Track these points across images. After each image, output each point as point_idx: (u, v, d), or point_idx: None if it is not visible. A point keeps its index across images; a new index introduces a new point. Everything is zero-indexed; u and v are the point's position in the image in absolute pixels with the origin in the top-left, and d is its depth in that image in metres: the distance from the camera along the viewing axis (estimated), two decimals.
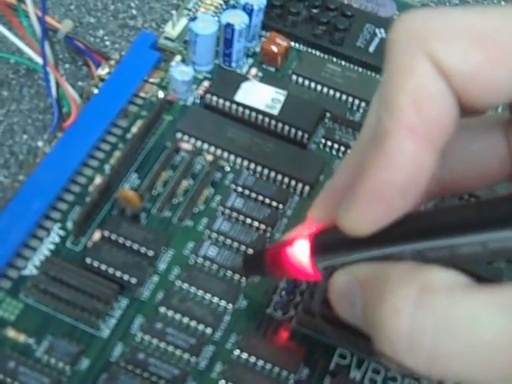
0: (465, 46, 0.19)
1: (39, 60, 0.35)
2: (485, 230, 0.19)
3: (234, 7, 0.38)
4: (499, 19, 0.19)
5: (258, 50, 0.38)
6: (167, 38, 0.38)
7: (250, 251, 0.30)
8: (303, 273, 0.24)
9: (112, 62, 0.36)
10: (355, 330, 0.22)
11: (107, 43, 0.40)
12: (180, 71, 0.35)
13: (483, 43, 0.19)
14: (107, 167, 0.33)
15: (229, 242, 0.31)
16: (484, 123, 0.23)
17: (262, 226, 0.31)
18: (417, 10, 0.20)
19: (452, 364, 0.18)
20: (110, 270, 0.29)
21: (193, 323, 0.29)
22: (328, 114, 0.36)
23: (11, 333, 0.28)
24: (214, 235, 0.31)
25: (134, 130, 0.34)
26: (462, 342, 0.18)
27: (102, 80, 0.35)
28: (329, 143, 0.35)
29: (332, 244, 0.23)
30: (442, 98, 0.19)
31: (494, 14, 0.19)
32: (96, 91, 0.35)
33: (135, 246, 0.30)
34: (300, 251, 0.24)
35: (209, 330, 0.29)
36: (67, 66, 0.39)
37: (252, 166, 0.33)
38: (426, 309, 0.19)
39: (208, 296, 0.29)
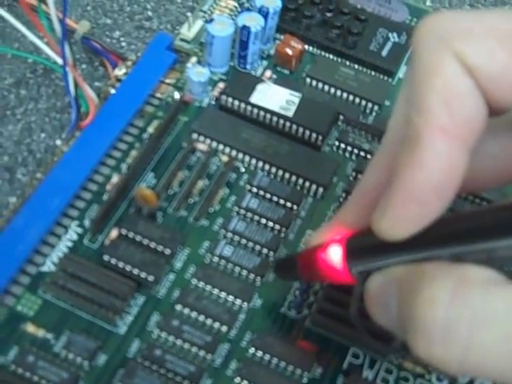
0: (491, 45, 0.19)
1: (57, 59, 0.36)
2: None
3: (248, 10, 0.39)
4: None
5: (272, 52, 0.38)
6: (183, 40, 0.38)
7: (265, 251, 0.31)
8: (337, 277, 0.25)
9: (129, 63, 0.37)
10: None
11: (123, 44, 0.40)
12: (196, 72, 0.35)
13: (508, 43, 0.19)
14: (124, 166, 0.33)
15: (244, 241, 0.31)
16: (502, 123, 0.23)
17: (277, 227, 0.32)
18: (441, 11, 0.20)
19: (486, 356, 0.18)
20: (128, 268, 0.30)
21: (208, 321, 0.29)
22: (341, 117, 0.36)
23: (30, 328, 0.28)
24: (229, 235, 0.31)
25: (151, 129, 0.34)
26: (497, 333, 0.18)
27: (118, 80, 0.36)
28: (342, 145, 0.35)
29: (367, 248, 0.23)
30: (471, 97, 0.19)
31: None
32: (113, 91, 0.35)
33: (152, 245, 0.30)
34: (333, 256, 0.24)
35: (224, 328, 0.29)
36: (84, 66, 0.39)
37: (266, 167, 0.34)
38: (462, 300, 0.19)
39: (223, 294, 0.30)
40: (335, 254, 0.24)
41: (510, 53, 0.19)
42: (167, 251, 0.30)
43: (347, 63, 0.39)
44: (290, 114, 0.35)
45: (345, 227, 0.25)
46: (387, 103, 0.37)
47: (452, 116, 0.19)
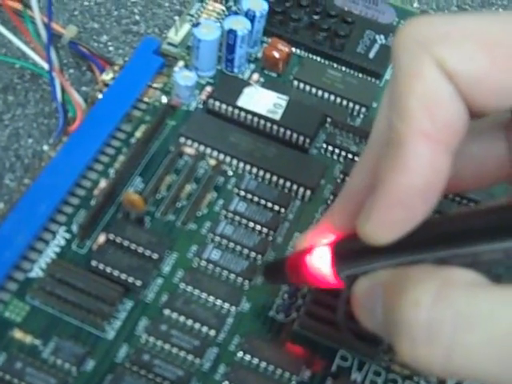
0: (471, 50, 0.19)
1: (44, 65, 0.36)
2: (509, 237, 0.19)
3: (236, 13, 0.39)
4: (504, 24, 0.19)
5: (259, 55, 0.39)
6: (170, 44, 0.38)
7: (253, 254, 0.31)
8: (324, 281, 0.25)
9: (116, 68, 0.37)
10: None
11: (111, 49, 0.40)
12: (183, 76, 0.35)
13: (489, 47, 0.19)
14: (112, 171, 0.33)
15: (232, 245, 0.31)
16: (484, 124, 0.23)
17: (264, 230, 0.32)
18: (421, 15, 0.20)
19: (469, 357, 0.18)
20: (115, 273, 0.30)
21: (197, 325, 0.29)
22: (329, 119, 0.36)
23: (18, 334, 0.28)
24: (217, 238, 0.31)
25: (138, 134, 0.34)
26: (480, 335, 0.18)
27: (106, 85, 0.36)
28: (330, 148, 0.35)
29: (353, 253, 0.24)
30: (452, 101, 0.20)
31: (499, 19, 0.20)
32: (100, 96, 0.35)
33: (140, 249, 0.30)
34: (320, 260, 0.24)
35: (212, 332, 0.29)
36: (71, 71, 0.39)
37: (254, 170, 0.34)
38: (446, 301, 0.19)
39: (211, 298, 0.30)
40: (322, 258, 0.24)
41: (490, 57, 0.19)
42: (155, 256, 0.30)
43: (334, 65, 0.39)
44: (278, 117, 0.35)
45: (331, 230, 0.25)
46: (375, 105, 0.37)
47: (433, 121, 0.20)
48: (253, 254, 0.31)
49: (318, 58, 0.39)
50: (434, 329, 0.19)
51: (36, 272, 0.30)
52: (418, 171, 0.20)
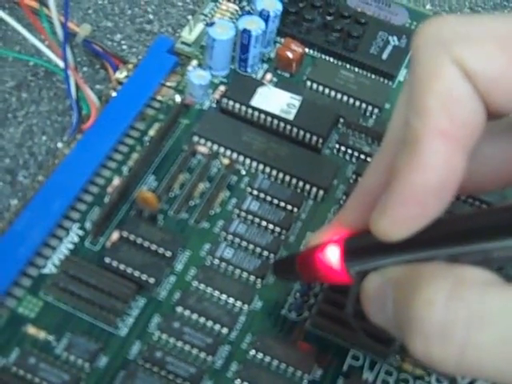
0: (489, 49, 0.19)
1: (58, 62, 0.36)
2: None
3: (249, 13, 0.39)
4: None
5: (273, 55, 0.39)
6: (184, 43, 0.38)
7: (265, 253, 0.31)
8: (335, 277, 0.25)
9: (130, 66, 0.37)
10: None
11: (124, 47, 0.41)
12: (197, 75, 0.35)
13: (507, 47, 0.19)
14: (125, 169, 0.33)
15: (244, 243, 0.31)
16: (500, 126, 0.23)
17: (277, 229, 0.32)
18: (440, 16, 0.21)
19: (482, 356, 0.19)
20: (129, 270, 0.30)
21: (209, 323, 0.29)
22: (341, 120, 0.36)
23: (32, 330, 0.28)
24: (230, 237, 0.31)
25: (152, 132, 0.35)
26: (493, 334, 0.18)
27: (120, 83, 0.36)
28: (342, 148, 0.35)
29: (364, 249, 0.24)
30: (470, 100, 0.20)
31: None
32: (114, 94, 0.35)
33: (153, 247, 0.30)
34: (331, 256, 0.24)
35: (225, 330, 0.29)
36: (85, 69, 0.39)
37: (267, 169, 0.34)
38: (460, 300, 0.19)
39: (224, 297, 0.30)
40: (333, 254, 0.25)
41: (508, 57, 0.19)
42: (168, 253, 0.30)
43: (347, 66, 0.39)
44: (291, 116, 0.35)
45: (344, 228, 0.25)
46: (387, 106, 0.37)
47: (451, 119, 0.20)
48: (265, 253, 0.31)
49: (331, 59, 0.39)
50: (448, 328, 0.19)
51: (49, 268, 0.30)
52: (433, 168, 0.20)
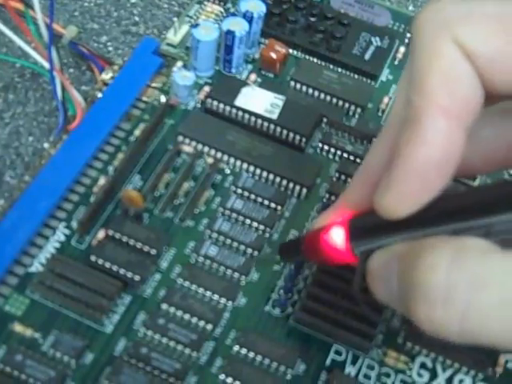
0: (487, 30, 0.20)
1: (44, 64, 0.36)
2: None
3: (234, 15, 0.39)
4: None
5: (257, 56, 0.39)
6: (169, 44, 0.39)
7: (249, 251, 0.31)
8: (340, 258, 0.25)
9: (115, 67, 0.37)
10: None
11: (110, 49, 0.41)
12: (182, 76, 0.36)
13: (504, 27, 0.20)
14: (111, 169, 0.34)
15: (228, 241, 0.32)
16: (496, 108, 0.24)
17: (261, 227, 0.32)
18: None
19: (484, 318, 0.19)
20: (114, 268, 0.30)
21: (194, 319, 0.30)
22: (325, 119, 0.37)
23: (18, 327, 0.29)
24: (215, 235, 0.32)
25: (137, 132, 0.35)
26: (494, 297, 0.19)
27: (105, 84, 0.36)
28: (325, 147, 0.36)
29: (368, 228, 0.24)
30: (469, 79, 0.20)
31: None
32: (100, 95, 0.36)
33: (138, 245, 0.31)
34: (336, 237, 0.25)
35: (209, 327, 0.29)
36: (71, 70, 0.40)
37: (251, 168, 0.34)
38: (461, 265, 0.19)
39: (208, 293, 0.30)
40: (338, 235, 0.25)
41: (506, 38, 0.20)
42: (153, 251, 0.31)
43: (331, 67, 0.39)
44: (275, 116, 0.35)
45: (348, 209, 0.26)
46: (370, 106, 0.38)
47: (451, 97, 0.20)
48: (249, 251, 0.32)
49: (315, 59, 0.39)
50: (451, 291, 0.19)
51: (36, 267, 0.30)
52: (435, 144, 0.21)
